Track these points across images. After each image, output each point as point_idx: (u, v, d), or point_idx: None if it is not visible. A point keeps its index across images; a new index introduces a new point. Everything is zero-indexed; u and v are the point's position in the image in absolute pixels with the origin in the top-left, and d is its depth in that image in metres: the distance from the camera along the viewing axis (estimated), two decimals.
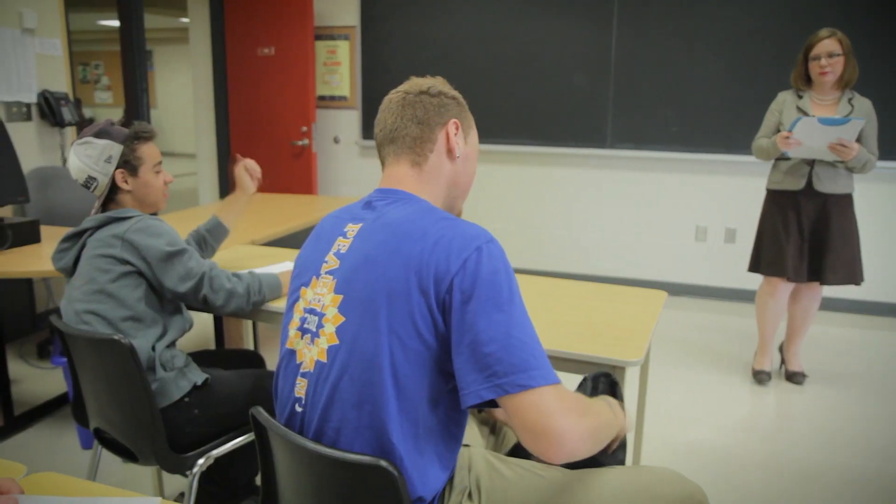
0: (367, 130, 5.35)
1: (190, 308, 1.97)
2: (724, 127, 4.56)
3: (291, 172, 5.20)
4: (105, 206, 1.89)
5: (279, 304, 1.95)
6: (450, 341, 1.08)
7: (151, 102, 16.45)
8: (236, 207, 2.27)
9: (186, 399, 1.80)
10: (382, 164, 1.33)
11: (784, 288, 3.26)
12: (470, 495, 1.23)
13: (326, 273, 1.19)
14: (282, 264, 2.34)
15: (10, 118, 3.55)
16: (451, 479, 1.23)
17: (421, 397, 1.11)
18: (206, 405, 1.82)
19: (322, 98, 5.42)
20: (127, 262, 1.78)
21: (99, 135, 1.83)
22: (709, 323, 4.33)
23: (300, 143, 5.11)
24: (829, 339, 4.06)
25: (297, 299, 1.25)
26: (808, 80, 3.15)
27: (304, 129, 5.08)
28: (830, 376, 3.49)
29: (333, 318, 1.14)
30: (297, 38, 4.97)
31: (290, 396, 1.22)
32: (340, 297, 1.14)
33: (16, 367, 3.38)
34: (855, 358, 3.77)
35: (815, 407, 3.16)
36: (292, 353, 1.22)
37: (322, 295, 1.18)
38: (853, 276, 3.17)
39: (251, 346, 2.84)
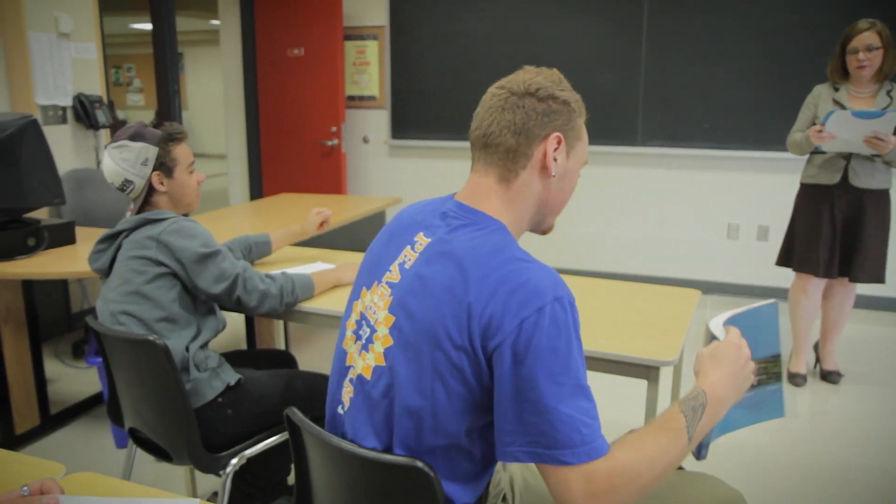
0: (396, 130, 5.36)
1: (223, 309, 1.99)
2: (756, 123, 4.48)
3: (321, 172, 5.23)
4: (141, 208, 1.91)
5: (312, 305, 1.96)
6: (493, 390, 1.02)
7: (182, 104, 16.69)
8: (289, 239, 2.44)
9: (220, 399, 1.81)
10: (472, 165, 1.20)
11: (816, 285, 3.19)
12: (504, 498, 1.23)
13: (386, 283, 1.13)
14: (314, 265, 2.36)
15: (46, 121, 3.62)
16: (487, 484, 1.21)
17: (458, 430, 1.06)
18: (240, 405, 1.83)
19: (351, 98, 5.44)
20: (162, 264, 1.80)
21: (134, 137, 1.84)
22: None
23: (330, 143, 5.14)
24: (864, 336, 3.97)
25: (356, 297, 1.21)
26: (845, 73, 3.07)
27: (334, 129, 5.11)
28: (866, 375, 3.42)
29: (383, 339, 1.10)
30: (326, 39, 4.99)
31: (336, 397, 1.20)
32: (393, 318, 1.09)
33: (51, 367, 3.45)
34: (892, 356, 3.68)
35: (852, 406, 3.09)
36: (345, 353, 1.20)
37: (378, 308, 1.13)
38: (879, 274, 3.09)
39: (282, 346, 2.87)
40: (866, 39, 2.94)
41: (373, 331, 1.12)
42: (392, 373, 1.07)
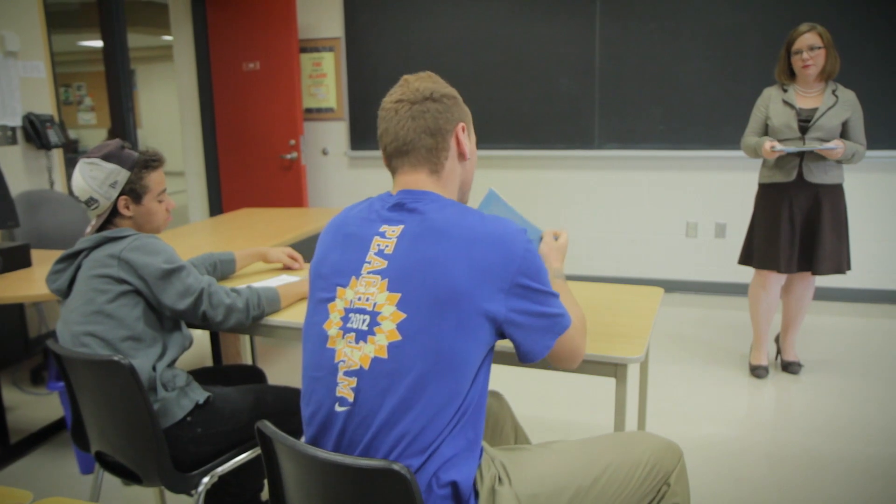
0: (356, 142, 5.35)
1: (189, 326, 1.96)
2: (711, 123, 4.60)
3: (281, 186, 5.19)
4: (103, 227, 1.88)
5: (279, 318, 1.95)
6: (511, 322, 1.23)
7: (136, 122, 16.31)
8: (253, 259, 2.46)
9: (189, 418, 1.78)
10: (393, 172, 1.37)
11: (776, 280, 3.28)
12: (500, 480, 1.30)
13: (371, 273, 1.25)
14: (278, 278, 2.34)
15: None
16: (479, 468, 1.29)
17: (469, 375, 1.21)
18: (209, 423, 1.81)
19: (309, 111, 5.42)
20: (124, 282, 1.77)
21: (107, 157, 1.81)
22: (703, 317, 4.35)
23: (289, 156, 5.11)
24: (822, 328, 4.09)
25: (329, 299, 1.28)
26: (791, 74, 3.18)
27: (293, 142, 5.08)
28: (826, 364, 3.52)
29: (392, 316, 1.20)
30: (281, 52, 4.97)
31: (327, 396, 1.24)
32: (398, 295, 1.20)
33: (10, 395, 3.35)
34: (849, 345, 3.80)
35: (813, 395, 3.18)
36: (331, 352, 1.25)
37: (371, 294, 1.23)
38: (840, 265, 3.20)
39: (249, 361, 2.83)
40: (808, 40, 3.05)
41: (374, 315, 1.21)
42: (413, 341, 1.18)
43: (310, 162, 5.51)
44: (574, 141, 4.87)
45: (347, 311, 1.25)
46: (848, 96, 3.11)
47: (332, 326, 1.27)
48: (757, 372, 3.40)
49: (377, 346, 1.20)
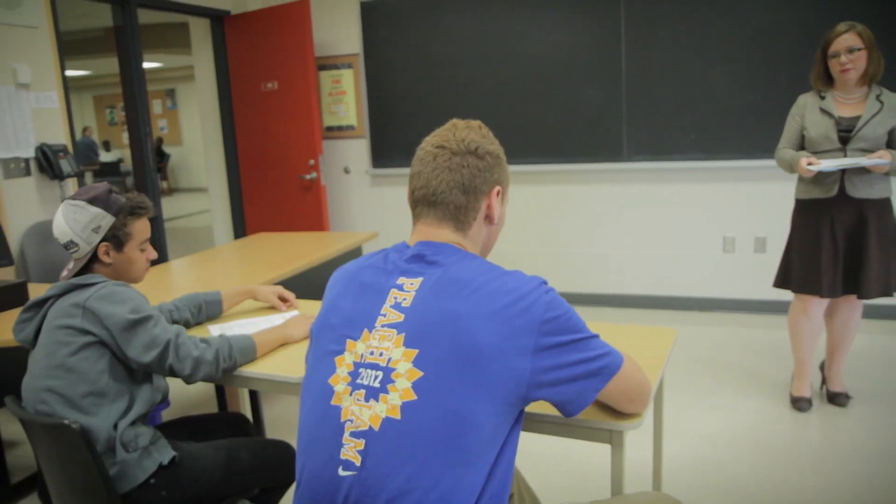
0: (377, 159, 5.23)
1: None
2: (746, 130, 4.32)
3: (301, 207, 5.10)
4: (80, 272, 1.79)
5: (253, 369, 1.81)
6: (538, 384, 1.13)
7: (175, 140, 16.72)
8: (241, 298, 2.34)
9: (152, 481, 1.66)
10: (416, 218, 1.30)
11: (818, 305, 3.01)
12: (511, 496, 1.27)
13: (386, 326, 1.17)
14: (268, 318, 2.21)
15: (8, 175, 3.52)
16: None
17: (490, 441, 1.11)
18: (175, 486, 1.68)
19: (330, 129, 5.33)
20: (88, 332, 1.67)
21: (93, 201, 1.73)
22: (741, 339, 4.07)
23: (308, 176, 5.02)
24: (872, 350, 3.77)
25: (337, 352, 1.20)
26: (829, 80, 2.92)
27: (312, 162, 4.98)
28: (877, 395, 3.22)
29: (408, 373, 1.11)
30: (298, 71, 4.89)
31: (328, 459, 1.14)
32: (415, 351, 1.12)
33: (13, 428, 3.29)
34: None
35: (864, 431, 2.90)
36: (336, 409, 1.15)
37: (385, 349, 1.15)
38: (888, 287, 2.92)
39: (247, 402, 2.71)
40: (847, 42, 2.79)
41: (388, 371, 1.13)
42: (431, 402, 1.09)
43: (331, 181, 5.42)
44: (601, 153, 4.65)
45: (357, 365, 1.16)
46: (894, 101, 2.83)
47: (339, 381, 1.17)
48: (799, 405, 3.12)
49: (390, 405, 1.11)
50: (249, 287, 2.34)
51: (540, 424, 1.44)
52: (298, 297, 2.40)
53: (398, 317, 1.16)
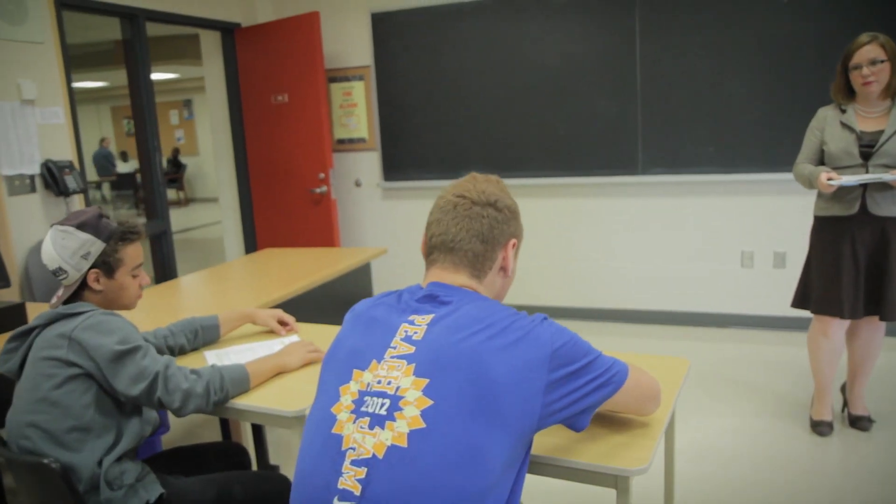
0: (388, 172, 5.17)
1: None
2: (765, 142, 4.21)
3: (312, 221, 5.05)
4: (70, 299, 1.74)
5: (247, 402, 1.74)
6: (549, 414, 1.15)
7: (192, 150, 16.79)
8: (240, 322, 2.27)
9: None
10: (430, 264, 1.32)
11: (839, 326, 2.89)
12: None
13: (396, 357, 1.16)
14: (273, 341, 2.16)
15: (13, 192, 3.49)
16: None
17: (499, 474, 1.10)
18: None
19: (341, 142, 5.29)
20: (74, 364, 1.61)
21: (82, 227, 1.69)
22: (760, 357, 3.95)
23: (318, 190, 4.96)
24: (894, 368, 3.63)
25: (342, 381, 1.19)
26: (850, 93, 2.81)
27: (322, 175, 4.93)
28: None
29: (417, 401, 1.10)
30: (308, 83, 4.84)
31: (324, 489, 1.10)
32: (425, 380, 1.11)
33: None
34: None
35: (888, 456, 2.77)
36: (337, 438, 1.13)
37: (394, 378, 1.14)
38: None
39: (250, 428, 2.65)
40: (869, 53, 2.68)
41: (396, 399, 1.11)
42: (439, 430, 1.07)
43: (342, 195, 5.37)
44: (616, 167, 4.55)
45: (363, 393, 1.14)
46: None
47: (342, 410, 1.15)
48: (820, 429, 3.00)
49: (396, 433, 1.08)
50: (248, 311, 2.28)
51: (543, 467, 1.36)
52: (304, 317, 2.34)
53: (409, 349, 1.16)
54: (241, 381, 1.76)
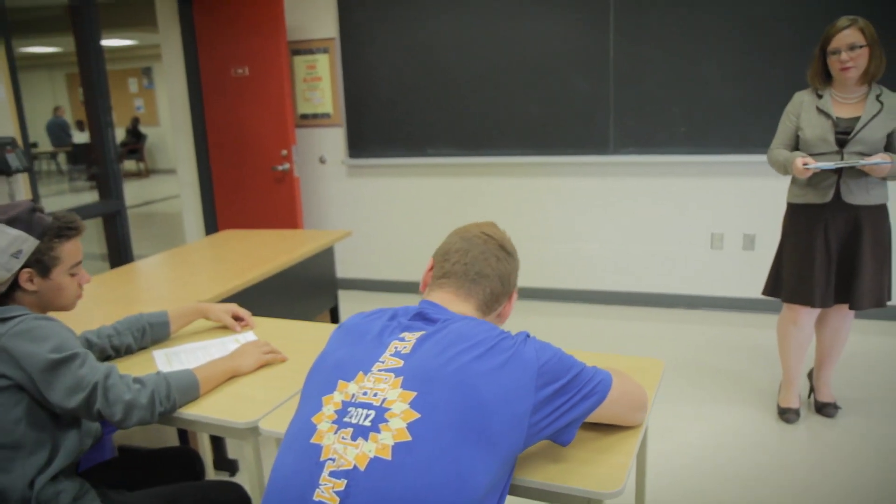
0: (354, 149, 5.01)
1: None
2: (738, 124, 4.15)
3: (274, 199, 4.88)
4: (0, 302, 1.59)
5: (196, 411, 1.63)
6: (535, 433, 1.15)
7: (152, 120, 16.27)
8: (191, 318, 2.13)
9: None
10: (439, 287, 1.32)
11: (808, 315, 2.87)
12: None
13: (384, 370, 1.15)
14: (228, 338, 2.04)
15: None
16: None
17: (484, 492, 1.07)
18: None
19: (304, 117, 5.10)
20: (3, 376, 1.48)
21: (12, 222, 1.54)
22: (728, 339, 3.94)
23: (281, 167, 4.79)
24: (863, 355, 3.64)
25: (325, 392, 1.17)
26: (826, 77, 2.75)
27: (284, 152, 4.76)
28: (867, 404, 3.10)
29: (403, 414, 1.08)
30: (270, 56, 4.64)
31: (302, 499, 1.05)
32: (413, 393, 1.10)
33: None
34: (892, 376, 3.36)
35: (853, 444, 2.78)
36: (315, 448, 1.09)
37: (381, 390, 1.12)
38: (881, 298, 2.78)
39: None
40: (848, 38, 2.61)
41: (382, 411, 1.09)
42: (425, 444, 1.05)
43: (306, 172, 5.20)
44: (587, 146, 4.46)
45: (346, 404, 1.12)
46: (894, 102, 2.67)
47: (324, 419, 1.12)
48: (787, 416, 2.99)
49: (380, 444, 1.06)
50: (200, 305, 2.15)
51: (515, 488, 1.28)
52: (263, 306, 2.22)
53: (397, 363, 1.15)
54: (189, 388, 1.64)
